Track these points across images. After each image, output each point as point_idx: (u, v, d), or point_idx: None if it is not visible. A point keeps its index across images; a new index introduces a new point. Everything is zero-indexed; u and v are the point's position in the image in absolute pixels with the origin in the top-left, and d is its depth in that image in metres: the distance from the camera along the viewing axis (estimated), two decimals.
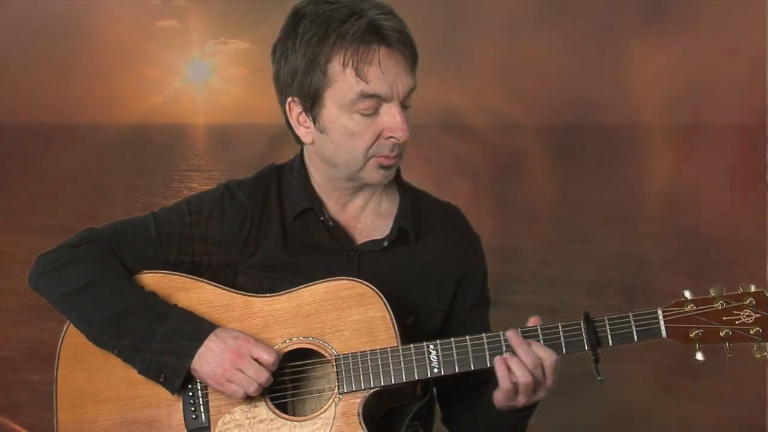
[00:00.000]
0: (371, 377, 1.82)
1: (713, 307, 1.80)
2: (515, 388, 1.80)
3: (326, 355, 1.84)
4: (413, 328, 1.90)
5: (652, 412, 5.06)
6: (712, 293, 1.81)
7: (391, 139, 1.86)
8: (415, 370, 1.82)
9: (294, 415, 1.87)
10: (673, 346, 1.81)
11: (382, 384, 1.82)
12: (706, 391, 5.15)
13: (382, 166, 1.90)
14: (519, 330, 1.82)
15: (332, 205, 1.99)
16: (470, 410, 1.98)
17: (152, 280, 1.92)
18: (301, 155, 2.01)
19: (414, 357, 1.82)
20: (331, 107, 1.85)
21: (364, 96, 1.83)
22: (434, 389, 2.03)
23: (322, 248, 1.96)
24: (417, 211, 2.02)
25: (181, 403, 1.86)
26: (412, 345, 1.83)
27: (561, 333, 1.82)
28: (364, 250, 1.97)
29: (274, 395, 1.85)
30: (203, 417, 1.85)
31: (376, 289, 1.84)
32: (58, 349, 1.92)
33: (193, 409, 1.86)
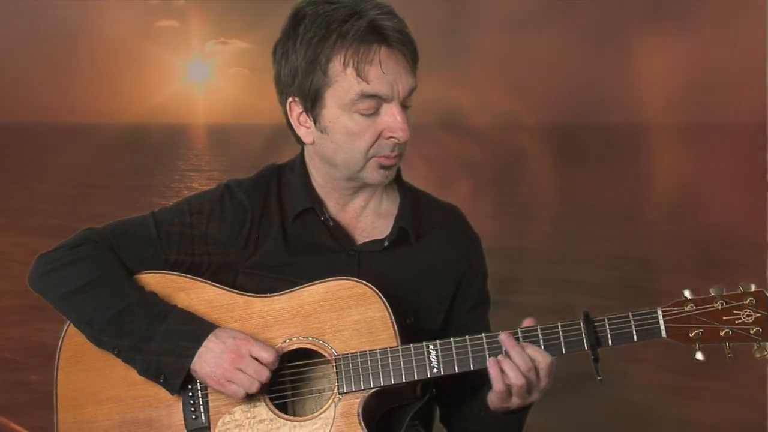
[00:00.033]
0: (371, 377, 1.82)
1: (713, 306, 1.80)
2: (508, 390, 1.80)
3: (326, 355, 1.84)
4: (413, 328, 1.90)
5: (652, 411, 5.06)
6: (712, 293, 1.81)
7: (392, 139, 1.86)
8: (415, 370, 1.82)
9: (294, 415, 1.86)
10: (673, 345, 1.81)
11: (382, 384, 1.82)
12: (706, 391, 5.15)
13: (382, 166, 1.90)
14: (519, 330, 1.82)
15: (332, 205, 1.98)
16: (466, 411, 1.98)
17: (152, 280, 1.91)
18: (301, 155, 2.01)
19: (414, 357, 1.82)
20: (332, 107, 1.85)
21: (365, 96, 1.83)
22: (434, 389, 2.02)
23: (322, 248, 1.96)
24: (417, 211, 2.02)
25: (181, 403, 1.86)
26: (411, 345, 1.82)
27: (561, 333, 1.82)
28: (365, 250, 1.97)
29: (274, 395, 1.85)
30: (203, 417, 1.85)
31: (375, 289, 1.84)
32: (58, 349, 1.92)
33: (192, 409, 1.86)
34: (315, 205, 1.96)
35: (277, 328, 1.86)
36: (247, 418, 1.84)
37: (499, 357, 1.80)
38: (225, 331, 1.83)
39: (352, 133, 1.85)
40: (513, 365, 1.78)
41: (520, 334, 1.82)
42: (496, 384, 1.79)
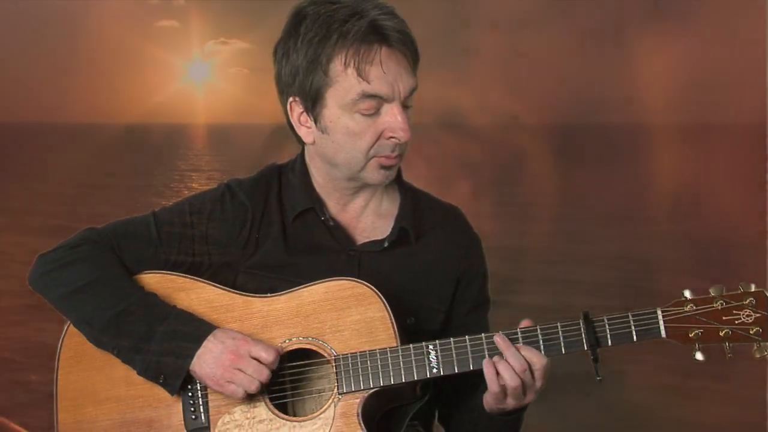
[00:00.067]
0: (370, 377, 1.82)
1: (713, 306, 1.80)
2: (503, 391, 1.80)
3: (326, 355, 1.84)
4: (414, 329, 1.90)
5: (652, 412, 5.06)
6: (712, 293, 1.81)
7: (392, 140, 1.86)
8: (414, 371, 1.82)
9: (294, 415, 1.87)
10: (672, 346, 1.81)
11: (382, 384, 1.82)
12: (706, 391, 5.15)
13: (383, 167, 1.90)
14: (519, 330, 1.82)
15: (333, 205, 1.99)
16: (463, 411, 1.98)
17: (152, 280, 1.92)
18: (302, 155, 2.01)
19: (413, 357, 1.82)
20: (333, 107, 1.86)
21: (366, 96, 1.83)
22: None
23: (322, 248, 1.96)
24: (417, 211, 2.02)
25: (180, 404, 1.86)
26: (411, 345, 1.82)
27: (560, 333, 1.82)
28: (365, 250, 1.97)
29: (273, 395, 1.85)
30: (203, 417, 1.85)
31: (375, 289, 1.84)
32: (59, 349, 1.92)
33: (192, 409, 1.86)
34: (315, 205, 1.96)
35: (276, 328, 1.86)
36: (247, 418, 1.84)
37: (495, 358, 1.80)
38: (224, 332, 1.83)
39: (352, 133, 1.86)
40: (508, 366, 1.78)
41: (519, 335, 1.82)
42: (491, 385, 1.79)
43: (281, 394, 1.86)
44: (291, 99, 1.91)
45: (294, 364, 1.87)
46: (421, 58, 1.90)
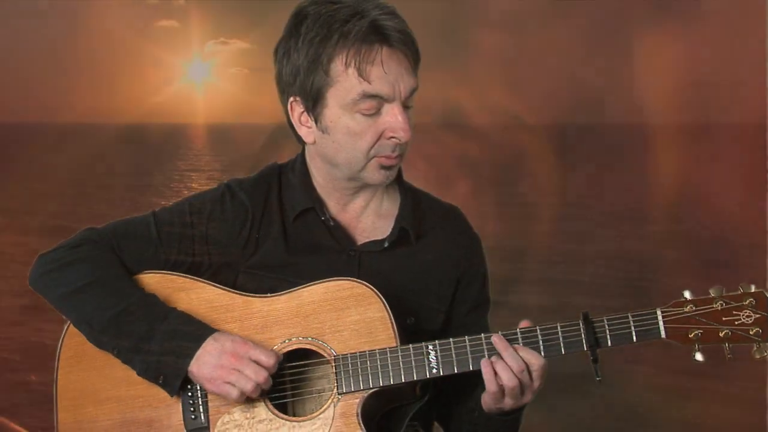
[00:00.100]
0: (370, 377, 1.82)
1: (713, 307, 1.80)
2: (501, 391, 1.80)
3: (325, 355, 1.84)
4: (413, 329, 1.90)
5: (652, 412, 5.06)
6: (712, 293, 1.81)
7: (393, 140, 1.86)
8: (414, 371, 1.82)
9: (294, 415, 1.87)
10: (672, 346, 1.81)
11: (381, 384, 1.82)
12: (706, 392, 5.15)
13: (383, 167, 1.90)
14: (519, 330, 1.83)
15: (333, 205, 1.98)
16: (462, 411, 1.98)
17: (152, 280, 1.92)
18: (302, 155, 2.01)
19: (413, 357, 1.82)
20: (333, 107, 1.86)
21: (366, 96, 1.83)
22: None
23: (322, 248, 1.96)
24: (418, 211, 2.02)
25: (180, 404, 1.86)
26: (411, 345, 1.83)
27: (560, 333, 1.82)
28: (365, 250, 1.97)
29: (273, 395, 1.85)
30: (202, 417, 1.85)
31: (375, 289, 1.84)
32: (59, 349, 1.92)
33: (192, 409, 1.86)
34: (315, 205, 1.96)
35: (276, 328, 1.86)
36: (247, 418, 1.84)
37: (493, 358, 1.80)
38: (224, 335, 1.82)
39: (353, 133, 1.86)
40: (506, 366, 1.78)
41: (519, 335, 1.82)
42: (489, 385, 1.80)
43: (281, 394, 1.86)
44: (292, 99, 1.91)
45: (294, 364, 1.87)
46: (423, 56, 1.90)
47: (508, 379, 1.78)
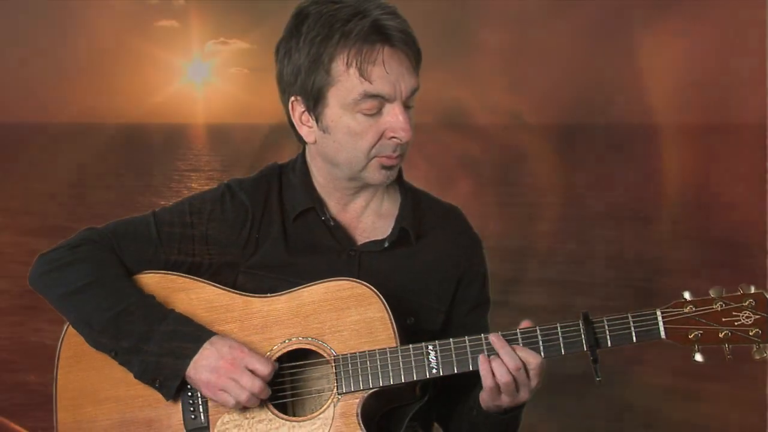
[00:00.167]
0: (370, 378, 1.81)
1: (712, 308, 1.80)
2: (498, 388, 1.80)
3: (325, 355, 1.84)
4: (413, 329, 1.90)
5: (651, 412, 5.07)
6: (712, 294, 1.81)
7: (394, 140, 1.86)
8: (414, 371, 1.81)
9: (293, 415, 1.86)
10: (672, 347, 1.81)
11: (381, 384, 1.81)
12: (706, 392, 5.15)
13: (384, 167, 1.89)
14: (519, 331, 1.82)
15: (333, 205, 1.98)
16: (461, 410, 1.98)
17: (152, 280, 1.91)
18: (302, 155, 2.01)
19: (413, 357, 1.82)
20: (334, 107, 1.85)
21: (367, 96, 1.83)
22: None
23: (322, 248, 1.95)
24: (418, 211, 2.02)
25: (180, 403, 1.86)
26: (411, 345, 1.82)
27: (560, 333, 1.82)
28: (365, 250, 1.96)
29: (273, 395, 1.85)
30: (202, 417, 1.85)
31: (375, 289, 1.84)
32: (58, 348, 1.91)
33: (192, 409, 1.86)
34: (316, 204, 1.96)
35: (276, 328, 1.86)
36: (246, 418, 1.84)
37: (490, 356, 1.80)
38: (222, 339, 1.82)
39: (354, 132, 1.85)
40: (502, 364, 1.79)
41: (519, 335, 1.82)
42: (486, 380, 1.80)
43: (281, 394, 1.86)
44: (292, 98, 1.90)
45: (293, 364, 1.87)
46: (424, 56, 1.90)
47: (503, 376, 1.78)
